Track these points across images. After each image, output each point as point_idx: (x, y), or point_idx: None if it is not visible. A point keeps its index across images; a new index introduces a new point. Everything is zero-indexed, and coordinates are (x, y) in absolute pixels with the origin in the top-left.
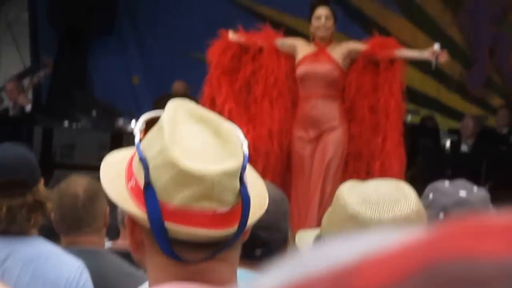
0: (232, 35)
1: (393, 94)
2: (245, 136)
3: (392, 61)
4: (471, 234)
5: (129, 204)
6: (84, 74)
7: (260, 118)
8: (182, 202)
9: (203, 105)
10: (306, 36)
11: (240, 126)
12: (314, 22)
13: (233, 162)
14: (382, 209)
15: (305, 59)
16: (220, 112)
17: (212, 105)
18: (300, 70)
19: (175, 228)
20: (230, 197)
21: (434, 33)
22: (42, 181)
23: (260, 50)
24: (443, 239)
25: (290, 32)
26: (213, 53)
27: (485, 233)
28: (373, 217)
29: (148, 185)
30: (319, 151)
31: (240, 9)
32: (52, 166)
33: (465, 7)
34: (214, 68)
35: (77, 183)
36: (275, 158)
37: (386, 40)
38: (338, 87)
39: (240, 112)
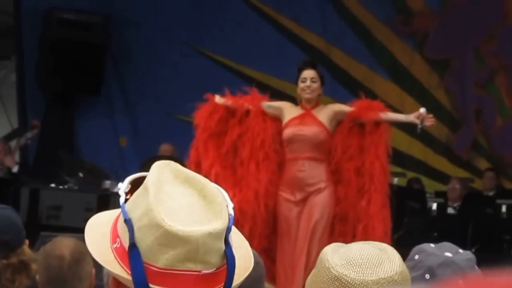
0: (218, 99)
1: (378, 156)
2: (231, 199)
3: (378, 124)
4: None
5: (114, 265)
6: (71, 135)
7: (246, 180)
8: (166, 263)
9: (189, 168)
10: (293, 99)
11: (227, 190)
12: (300, 84)
13: (218, 223)
14: (366, 271)
15: (291, 121)
16: (207, 176)
17: (197, 169)
18: (287, 132)
19: None
20: (215, 259)
21: (421, 96)
22: (27, 243)
23: (247, 113)
24: None
25: (277, 94)
26: (200, 117)
27: None
28: (356, 279)
29: (132, 246)
30: (306, 213)
31: (226, 71)
32: (39, 228)
33: (451, 70)
34: (201, 131)
35: (63, 244)
36: (261, 221)
37: (372, 102)
38: (325, 149)
39: (227, 175)
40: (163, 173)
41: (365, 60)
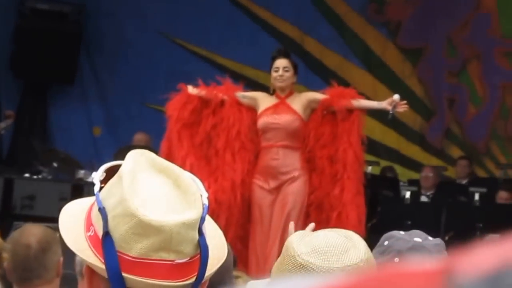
0: (192, 89)
1: (351, 144)
2: (207, 189)
3: (350, 111)
4: None
5: (87, 253)
6: (45, 125)
7: (222, 170)
8: (140, 253)
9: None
10: (267, 88)
11: (202, 180)
12: (273, 73)
13: (192, 213)
14: (331, 259)
15: (266, 111)
16: (181, 167)
17: (170, 160)
18: (261, 121)
19: (133, 279)
20: (189, 248)
21: (394, 84)
22: None
23: (221, 103)
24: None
25: (251, 83)
26: (173, 108)
27: None
28: (322, 266)
29: (106, 235)
30: (279, 202)
31: (200, 60)
32: (12, 217)
33: (424, 59)
34: (174, 122)
35: (31, 232)
36: (237, 211)
37: (345, 90)
38: (299, 137)
39: (201, 166)
40: (138, 162)
41: (339, 49)
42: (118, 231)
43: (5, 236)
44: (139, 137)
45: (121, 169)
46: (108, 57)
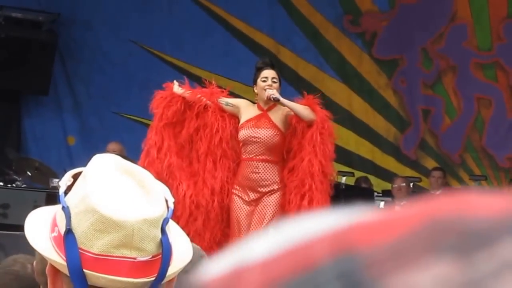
0: (177, 88)
1: (316, 154)
2: (186, 190)
3: (310, 124)
4: (459, 200)
5: (50, 252)
6: (19, 134)
7: (203, 177)
8: (102, 249)
9: (145, 155)
10: (240, 98)
11: (181, 180)
12: (261, 83)
13: (155, 211)
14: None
15: (247, 122)
16: (161, 164)
17: (151, 157)
18: (242, 134)
19: (94, 275)
20: (151, 246)
21: (369, 95)
22: None
23: (205, 107)
24: (436, 203)
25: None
26: (157, 105)
27: (470, 199)
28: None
29: (68, 232)
30: (258, 213)
31: (174, 70)
32: None
33: (399, 70)
34: (157, 120)
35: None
36: (215, 215)
37: (308, 100)
38: (279, 151)
39: (182, 166)
40: (103, 164)
41: (314, 60)
42: (80, 228)
43: None
44: (112, 146)
45: (85, 169)
46: (83, 67)
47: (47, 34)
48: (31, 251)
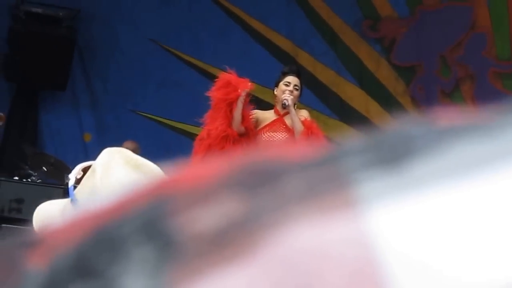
0: (242, 98)
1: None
2: None
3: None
4: (271, 150)
5: None
6: (36, 130)
7: None
8: None
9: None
10: (257, 100)
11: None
12: (282, 86)
13: None
14: None
15: (264, 128)
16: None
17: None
18: (259, 139)
19: None
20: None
21: (387, 102)
22: None
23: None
24: (250, 154)
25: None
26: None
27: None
28: None
29: None
30: None
31: (192, 69)
32: (0, 220)
33: (417, 77)
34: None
35: None
36: None
37: (312, 125)
38: None
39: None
40: (113, 158)
41: (332, 64)
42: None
43: None
44: (127, 145)
45: (95, 162)
46: (101, 64)
47: (67, 30)
48: None
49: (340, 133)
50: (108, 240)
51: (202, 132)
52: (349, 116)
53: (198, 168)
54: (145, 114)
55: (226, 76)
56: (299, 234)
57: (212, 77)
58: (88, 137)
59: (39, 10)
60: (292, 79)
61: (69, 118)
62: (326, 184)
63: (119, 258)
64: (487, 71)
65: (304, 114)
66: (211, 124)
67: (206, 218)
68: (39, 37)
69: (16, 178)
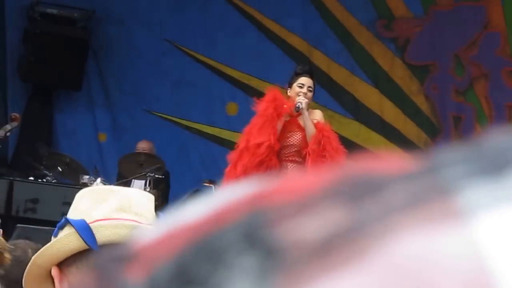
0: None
1: (337, 151)
2: None
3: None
4: (367, 162)
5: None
6: (51, 130)
7: None
8: (103, 214)
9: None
10: None
11: None
12: (296, 88)
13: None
14: None
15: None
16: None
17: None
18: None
19: (102, 226)
20: (149, 215)
21: (401, 101)
22: (1, 232)
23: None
24: (347, 166)
25: (257, 95)
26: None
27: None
28: None
29: (67, 219)
30: None
31: (207, 69)
32: (15, 220)
33: (432, 76)
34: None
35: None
36: None
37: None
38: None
39: None
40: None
41: (346, 63)
42: (80, 208)
43: (7, 238)
44: (142, 145)
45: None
46: (116, 64)
47: (81, 31)
48: None
49: (354, 132)
50: (209, 249)
51: (243, 142)
52: (364, 115)
53: (295, 180)
54: (160, 114)
55: (273, 91)
56: (408, 242)
57: (227, 77)
58: (103, 137)
59: (54, 11)
60: (306, 81)
61: (84, 118)
62: (430, 194)
63: (222, 267)
64: (501, 70)
65: (318, 115)
66: (258, 136)
67: (310, 227)
68: (54, 37)
69: (31, 178)
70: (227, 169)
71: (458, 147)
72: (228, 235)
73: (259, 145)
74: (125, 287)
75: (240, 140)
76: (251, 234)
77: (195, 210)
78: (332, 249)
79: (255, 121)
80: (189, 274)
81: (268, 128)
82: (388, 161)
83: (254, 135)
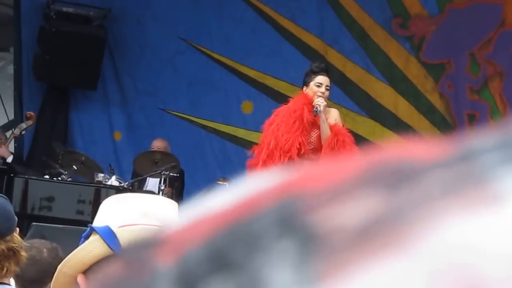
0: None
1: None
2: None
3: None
4: (401, 148)
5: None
6: (66, 128)
7: None
8: (125, 220)
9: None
10: (287, 98)
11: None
12: (314, 88)
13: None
14: None
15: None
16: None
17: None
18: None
19: (125, 230)
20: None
21: (415, 99)
22: (17, 230)
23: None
24: (380, 152)
25: (273, 94)
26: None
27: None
28: None
29: (92, 228)
30: None
31: (222, 68)
32: (31, 218)
33: (446, 74)
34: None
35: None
36: None
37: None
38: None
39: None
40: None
41: (361, 62)
42: (103, 218)
43: (22, 236)
44: (157, 143)
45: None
46: (131, 62)
47: (97, 29)
48: (75, 244)
49: (369, 130)
50: (244, 233)
51: (267, 139)
52: (378, 113)
53: (328, 168)
54: (175, 113)
55: (303, 93)
56: (448, 228)
57: (242, 76)
58: (118, 136)
59: (70, 10)
60: (323, 80)
61: (100, 116)
62: (467, 180)
63: (258, 251)
64: None
65: (334, 114)
66: (286, 133)
67: (347, 213)
68: (70, 36)
69: (47, 176)
70: (251, 162)
71: (491, 134)
72: (263, 220)
73: (290, 148)
74: (156, 270)
75: (266, 137)
76: (287, 219)
77: (224, 198)
78: (372, 234)
79: (285, 120)
80: (224, 258)
81: (298, 130)
82: (422, 148)
83: (284, 135)
